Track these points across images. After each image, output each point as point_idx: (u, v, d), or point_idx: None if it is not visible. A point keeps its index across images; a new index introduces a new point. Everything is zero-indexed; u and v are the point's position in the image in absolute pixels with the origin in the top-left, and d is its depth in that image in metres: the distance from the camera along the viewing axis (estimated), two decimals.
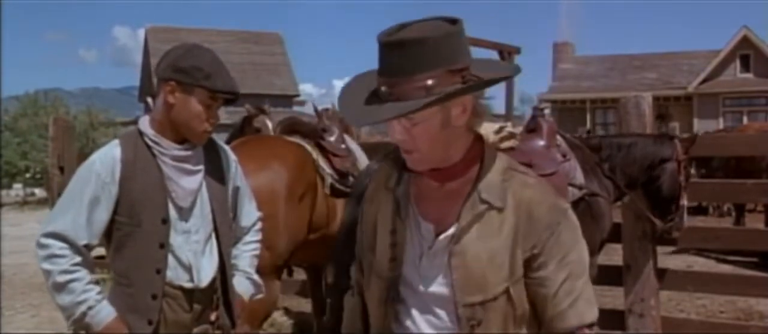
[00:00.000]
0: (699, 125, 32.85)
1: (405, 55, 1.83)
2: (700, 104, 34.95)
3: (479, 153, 2.00)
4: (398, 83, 1.83)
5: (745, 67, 35.57)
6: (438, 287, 1.98)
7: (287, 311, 7.92)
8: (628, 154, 5.20)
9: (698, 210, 14.89)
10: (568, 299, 1.93)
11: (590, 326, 1.97)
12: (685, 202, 5.31)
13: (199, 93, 2.86)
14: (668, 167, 5.21)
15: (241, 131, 7.12)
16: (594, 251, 4.89)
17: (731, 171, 10.88)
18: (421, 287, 2.00)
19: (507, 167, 1.99)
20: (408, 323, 2.04)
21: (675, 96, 35.60)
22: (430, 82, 1.81)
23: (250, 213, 3.35)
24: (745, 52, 35.40)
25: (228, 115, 17.59)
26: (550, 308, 1.94)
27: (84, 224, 2.84)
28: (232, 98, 2.94)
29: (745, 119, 32.78)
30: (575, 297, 1.93)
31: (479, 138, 2.03)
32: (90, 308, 2.81)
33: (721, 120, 33.78)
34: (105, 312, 2.84)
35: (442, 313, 1.98)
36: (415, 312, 2.03)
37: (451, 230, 1.96)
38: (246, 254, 3.31)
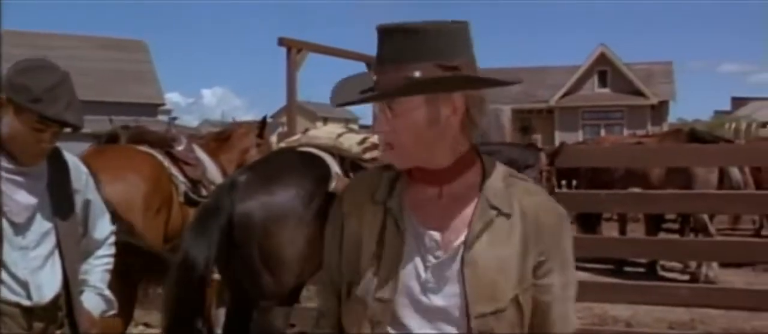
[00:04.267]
0: (560, 137, 34.05)
1: (396, 44, 1.81)
2: (562, 117, 36.33)
3: (475, 159, 1.95)
4: (386, 72, 1.81)
5: (603, 82, 37.25)
6: (446, 299, 1.86)
7: (148, 327, 7.69)
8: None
9: None
10: (566, 305, 1.93)
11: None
12: None
13: (27, 115, 2.72)
14: (530, 174, 5.30)
15: None
16: None
17: (588, 182, 11.29)
18: (426, 301, 1.87)
19: (507, 173, 1.94)
20: None
21: (538, 109, 36.87)
22: (417, 73, 1.78)
23: (102, 227, 3.23)
24: (603, 69, 37.08)
25: (89, 124, 17.02)
26: (552, 313, 1.91)
27: None
28: (71, 127, 2.81)
29: (602, 132, 34.23)
30: (571, 302, 1.95)
31: (474, 146, 1.96)
32: None
33: (580, 132, 35.17)
34: None
35: (449, 328, 1.86)
36: (412, 325, 1.89)
37: (462, 237, 1.87)
38: (98, 269, 3.19)
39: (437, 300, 1.87)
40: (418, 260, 1.89)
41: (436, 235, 1.89)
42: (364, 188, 2.03)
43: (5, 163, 2.79)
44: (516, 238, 1.85)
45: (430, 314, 1.88)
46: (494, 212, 1.86)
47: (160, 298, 6.63)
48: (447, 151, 1.89)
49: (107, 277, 3.24)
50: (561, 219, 1.92)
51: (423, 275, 1.89)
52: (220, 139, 6.95)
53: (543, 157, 5.37)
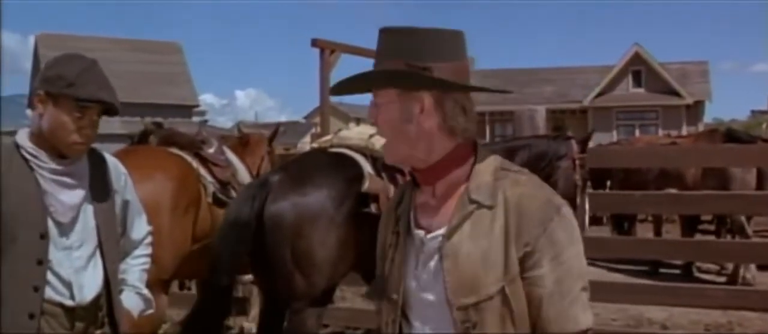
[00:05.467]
0: (594, 138, 33.82)
1: (380, 43, 1.96)
2: (595, 117, 35.96)
3: (467, 157, 1.98)
4: (375, 65, 1.96)
5: (637, 82, 36.86)
6: (436, 294, 1.93)
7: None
8: (524, 156, 5.20)
9: (593, 220, 15.12)
10: (564, 301, 1.85)
11: (585, 332, 1.88)
12: (586, 206, 5.31)
13: (63, 102, 2.77)
14: (562, 164, 5.25)
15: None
16: None
17: (620, 183, 11.18)
18: (422, 298, 1.97)
19: (499, 167, 1.96)
20: None
21: (571, 109, 36.60)
22: (388, 67, 1.91)
23: (140, 227, 3.27)
24: (637, 68, 36.71)
25: (123, 124, 17.17)
26: (545, 309, 1.85)
27: None
28: (108, 108, 2.85)
29: (637, 132, 33.91)
30: (572, 299, 1.85)
31: (470, 143, 2.00)
32: None
33: (614, 133, 34.81)
34: None
35: (441, 320, 1.93)
36: (417, 324, 2.00)
37: (440, 231, 1.93)
38: (135, 269, 3.23)
39: (429, 295, 1.96)
40: (412, 260, 2.00)
41: (421, 233, 1.99)
42: (392, 201, 2.18)
43: (51, 164, 2.82)
44: (498, 229, 1.86)
45: (428, 310, 1.97)
46: (473, 206, 1.90)
47: (196, 297, 6.71)
48: (427, 149, 1.95)
49: (145, 277, 3.27)
50: (548, 208, 1.87)
51: (416, 272, 1.99)
52: (242, 144, 7.02)
53: (574, 146, 5.32)
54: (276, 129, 7.47)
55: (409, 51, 1.90)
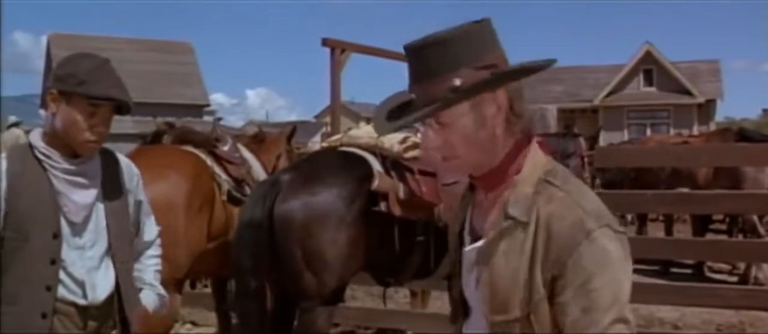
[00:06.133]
0: (605, 137, 33.69)
1: (428, 58, 1.80)
2: (606, 117, 35.84)
3: (519, 155, 1.88)
4: (425, 87, 1.80)
5: (648, 81, 36.73)
6: (474, 300, 1.92)
7: (195, 325, 7.80)
8: None
9: None
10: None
11: None
12: None
13: (76, 101, 2.78)
14: (571, 163, 5.28)
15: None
16: None
17: (632, 182, 11.15)
18: (471, 303, 1.96)
19: (542, 177, 1.83)
20: None
21: (581, 108, 36.47)
22: (457, 81, 1.76)
23: (151, 228, 3.29)
24: (648, 67, 36.57)
25: (135, 124, 17.21)
26: None
27: None
28: (121, 106, 2.86)
29: (648, 131, 33.79)
30: (598, 332, 1.68)
31: (525, 141, 1.90)
32: None
33: (625, 132, 34.71)
34: None
35: (481, 327, 1.89)
36: (467, 326, 2.01)
37: (479, 243, 1.88)
38: (150, 269, 3.25)
39: (472, 301, 1.95)
40: (465, 266, 1.97)
41: (467, 240, 1.97)
42: (462, 198, 2.13)
43: (63, 164, 2.84)
44: (527, 249, 1.76)
45: (476, 315, 1.95)
46: (509, 221, 1.80)
47: (207, 296, 6.74)
48: (494, 152, 1.86)
49: (159, 276, 3.29)
50: (576, 232, 1.71)
51: (464, 279, 1.97)
52: (257, 141, 7.04)
53: (582, 144, 5.36)
54: (294, 128, 7.50)
55: (469, 55, 1.79)
